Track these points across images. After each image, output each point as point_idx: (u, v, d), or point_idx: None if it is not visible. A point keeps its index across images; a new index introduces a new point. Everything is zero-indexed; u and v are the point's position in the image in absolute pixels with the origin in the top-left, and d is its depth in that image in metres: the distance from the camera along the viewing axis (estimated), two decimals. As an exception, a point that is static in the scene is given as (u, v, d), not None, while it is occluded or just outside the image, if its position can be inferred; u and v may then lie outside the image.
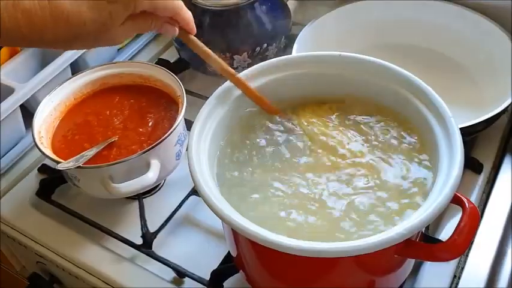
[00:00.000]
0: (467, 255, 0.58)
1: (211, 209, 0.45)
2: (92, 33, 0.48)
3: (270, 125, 0.57)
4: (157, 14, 0.51)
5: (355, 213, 0.48)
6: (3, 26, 0.43)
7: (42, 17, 0.45)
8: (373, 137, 0.55)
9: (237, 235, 0.50)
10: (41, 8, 0.44)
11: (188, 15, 0.55)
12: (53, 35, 0.46)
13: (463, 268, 0.58)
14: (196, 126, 0.52)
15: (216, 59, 0.56)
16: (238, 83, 0.56)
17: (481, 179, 0.66)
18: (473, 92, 0.74)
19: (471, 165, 0.67)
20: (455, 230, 0.45)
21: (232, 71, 0.56)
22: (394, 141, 0.54)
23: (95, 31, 0.48)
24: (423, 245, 0.46)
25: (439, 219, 0.62)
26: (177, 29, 0.54)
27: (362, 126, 0.56)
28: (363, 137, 0.55)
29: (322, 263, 0.46)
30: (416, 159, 0.52)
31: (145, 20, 0.51)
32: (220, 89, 0.56)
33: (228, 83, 0.56)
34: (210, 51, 0.56)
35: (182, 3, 0.53)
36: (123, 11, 0.48)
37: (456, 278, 0.57)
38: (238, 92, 0.56)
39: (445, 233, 0.61)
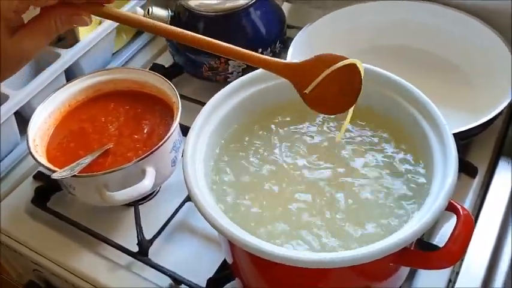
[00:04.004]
0: (462, 260, 0.58)
1: (208, 221, 0.45)
2: None
3: (266, 131, 0.57)
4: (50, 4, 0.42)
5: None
6: None
7: None
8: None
9: (232, 244, 0.50)
10: None
11: None
12: None
13: (458, 272, 0.58)
14: (191, 137, 0.51)
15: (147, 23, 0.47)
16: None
17: (476, 183, 0.66)
18: (468, 94, 0.74)
19: (466, 169, 0.67)
20: (449, 238, 0.45)
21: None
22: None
23: None
24: (418, 253, 0.46)
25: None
26: (87, 19, 0.45)
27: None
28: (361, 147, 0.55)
29: (316, 271, 0.46)
30: (410, 164, 0.52)
31: (43, 21, 0.43)
32: (216, 96, 0.55)
33: (224, 91, 0.56)
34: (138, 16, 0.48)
35: None
36: None
37: (451, 282, 0.58)
38: (235, 99, 0.56)
39: (439, 237, 0.61)
